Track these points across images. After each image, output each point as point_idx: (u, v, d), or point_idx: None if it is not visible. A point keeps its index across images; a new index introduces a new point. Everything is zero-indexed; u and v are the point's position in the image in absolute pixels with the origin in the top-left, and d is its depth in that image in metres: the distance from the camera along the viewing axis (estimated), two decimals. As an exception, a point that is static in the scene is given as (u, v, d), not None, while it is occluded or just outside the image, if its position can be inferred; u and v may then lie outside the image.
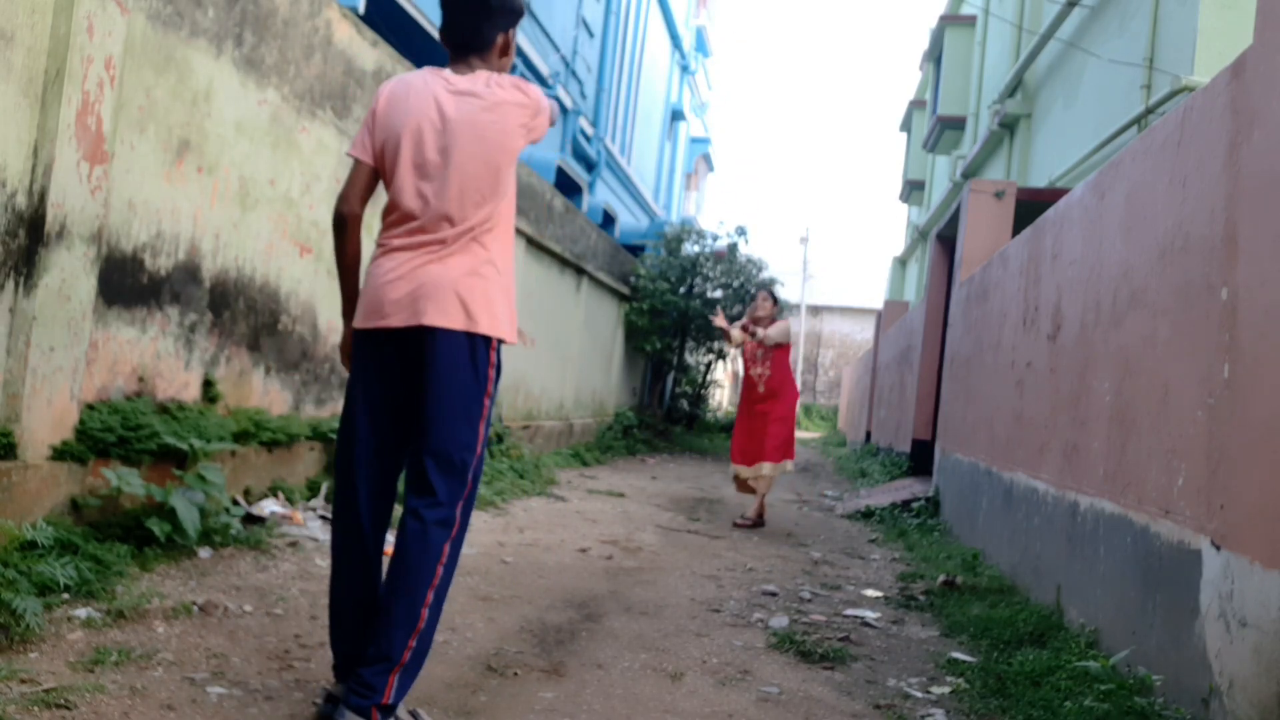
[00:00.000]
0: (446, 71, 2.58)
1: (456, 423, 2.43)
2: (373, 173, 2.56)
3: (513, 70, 13.52)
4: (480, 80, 2.54)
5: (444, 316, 2.41)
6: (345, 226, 2.58)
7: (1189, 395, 3.06)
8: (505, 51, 2.64)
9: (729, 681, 3.15)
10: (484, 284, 2.48)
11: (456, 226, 2.47)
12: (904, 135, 23.20)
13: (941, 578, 5.06)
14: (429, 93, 2.51)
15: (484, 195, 2.50)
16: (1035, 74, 11.32)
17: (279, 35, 4.77)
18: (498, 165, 2.51)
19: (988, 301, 6.53)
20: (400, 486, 2.55)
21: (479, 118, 2.49)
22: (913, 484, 9.12)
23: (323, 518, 4.80)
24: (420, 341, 2.44)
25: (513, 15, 2.61)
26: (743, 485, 7.23)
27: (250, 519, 4.41)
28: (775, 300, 7.26)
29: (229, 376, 4.72)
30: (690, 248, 14.75)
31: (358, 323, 2.51)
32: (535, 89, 2.61)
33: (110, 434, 3.67)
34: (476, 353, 2.46)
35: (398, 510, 2.66)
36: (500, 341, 2.53)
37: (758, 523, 6.93)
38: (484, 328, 2.45)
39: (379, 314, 2.46)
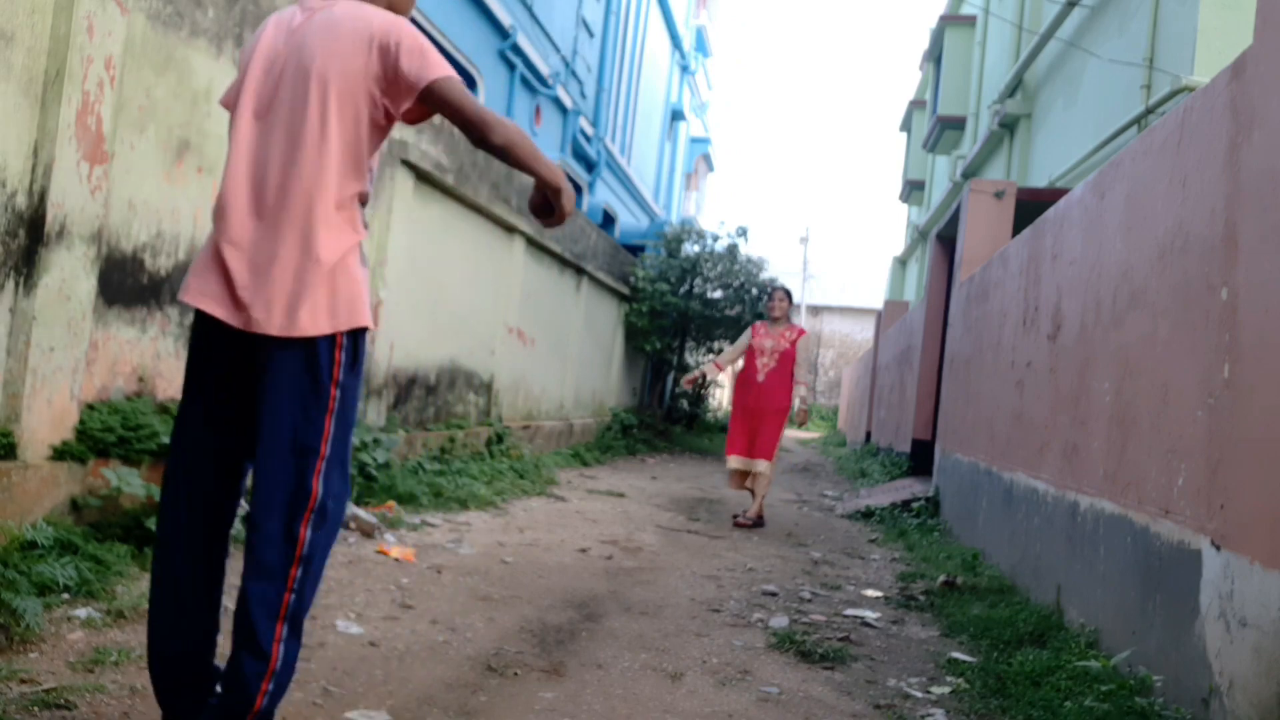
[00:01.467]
0: (310, 1, 2.13)
1: (284, 449, 2.00)
2: None
3: (512, 70, 13.58)
4: (342, 6, 2.07)
5: (269, 318, 1.97)
6: None
7: (1189, 395, 3.06)
8: None
9: (729, 681, 3.15)
10: (319, 267, 1.99)
11: (287, 188, 2.00)
12: (904, 135, 23.20)
13: (941, 578, 5.07)
14: (277, 23, 2.12)
15: (320, 148, 2.00)
16: (1035, 74, 11.32)
17: (279, 35, 4.77)
18: (332, 102, 2.00)
19: (988, 301, 6.54)
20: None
21: (321, 42, 2.01)
22: (913, 484, 9.12)
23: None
24: (243, 339, 2.03)
25: None
26: (739, 480, 7.22)
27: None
28: (791, 299, 7.36)
29: (229, 376, 4.71)
30: (690, 248, 14.74)
31: (184, 294, 2.07)
32: (398, 18, 2.07)
33: (110, 434, 3.67)
34: (317, 360, 2.01)
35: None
36: (352, 334, 2.06)
37: (758, 523, 6.93)
38: (322, 325, 1.99)
39: (200, 294, 2.03)
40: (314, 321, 1.99)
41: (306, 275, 1.99)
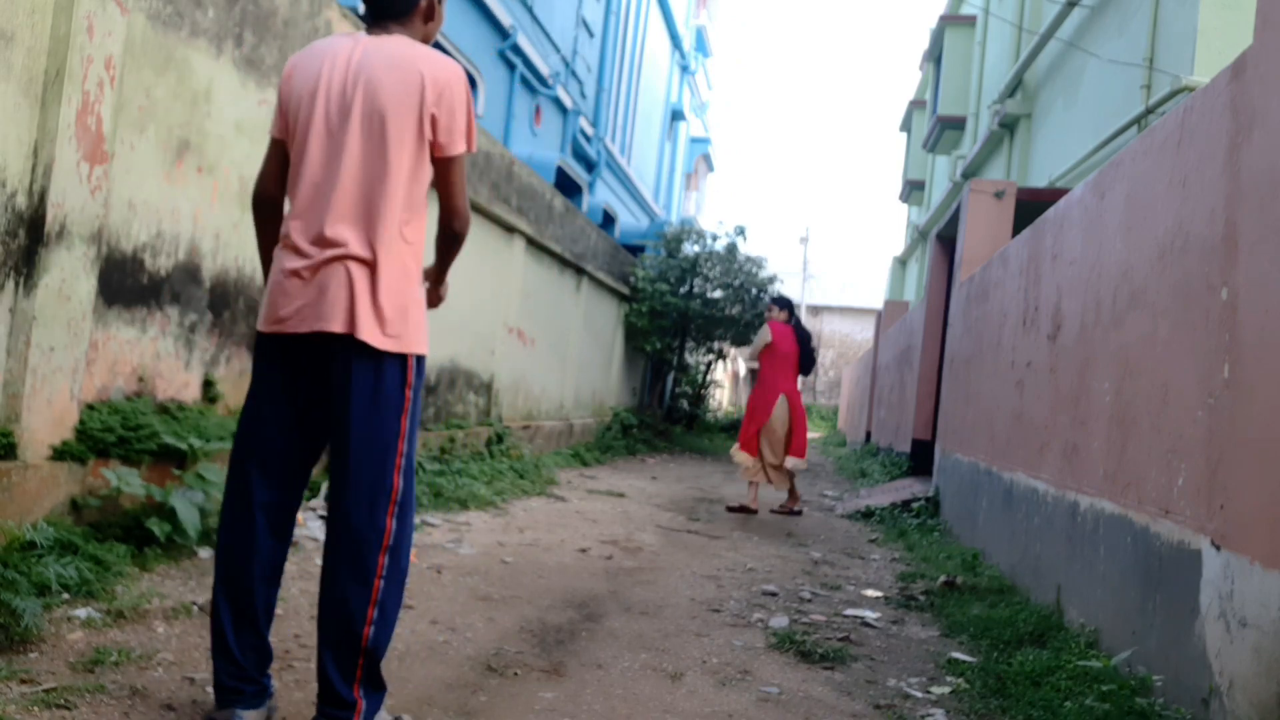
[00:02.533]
0: (360, 34, 2.33)
1: (371, 449, 2.19)
2: (285, 150, 2.31)
3: (512, 70, 13.58)
4: (397, 42, 2.27)
5: (351, 324, 2.15)
6: (259, 211, 2.39)
7: (1189, 395, 3.06)
8: (430, 17, 2.40)
9: (729, 681, 3.15)
10: (400, 288, 2.20)
11: (366, 211, 2.18)
12: (904, 135, 23.20)
13: (941, 578, 5.07)
14: (335, 55, 2.26)
15: (394, 172, 2.19)
16: (1035, 74, 11.32)
17: (279, 35, 4.77)
18: (405, 135, 2.19)
19: (988, 301, 6.53)
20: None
21: (385, 77, 2.19)
22: (913, 484, 9.12)
23: (322, 517, 4.80)
24: (326, 350, 2.21)
25: None
26: (778, 475, 7.54)
27: (250, 519, 4.41)
28: (781, 308, 7.59)
29: (229, 376, 4.71)
30: (690, 248, 14.76)
31: (259, 325, 2.27)
32: (457, 68, 2.27)
33: (110, 434, 3.67)
34: (390, 373, 2.20)
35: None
36: (420, 357, 2.28)
37: (747, 508, 7.25)
38: (402, 344, 2.20)
39: (277, 317, 2.21)
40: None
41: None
